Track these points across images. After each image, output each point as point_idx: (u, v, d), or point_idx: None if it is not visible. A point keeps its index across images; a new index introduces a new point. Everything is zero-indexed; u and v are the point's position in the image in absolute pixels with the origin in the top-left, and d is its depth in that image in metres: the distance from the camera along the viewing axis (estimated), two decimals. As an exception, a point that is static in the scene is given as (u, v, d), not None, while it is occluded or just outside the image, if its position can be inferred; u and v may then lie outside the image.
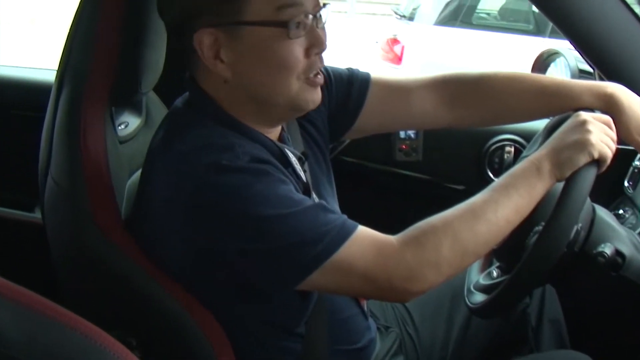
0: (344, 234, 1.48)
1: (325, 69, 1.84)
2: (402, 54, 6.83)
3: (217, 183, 1.47)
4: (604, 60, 2.11)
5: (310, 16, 1.55)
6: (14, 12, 13.23)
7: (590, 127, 1.60)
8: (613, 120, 1.72)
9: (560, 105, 1.84)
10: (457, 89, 1.92)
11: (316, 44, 1.57)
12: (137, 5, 1.76)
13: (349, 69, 1.93)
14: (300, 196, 1.53)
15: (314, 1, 1.57)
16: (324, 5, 1.60)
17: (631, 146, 1.80)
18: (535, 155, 1.62)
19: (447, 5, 7.05)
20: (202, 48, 1.54)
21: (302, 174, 1.68)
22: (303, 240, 1.46)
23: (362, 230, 1.51)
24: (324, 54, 1.61)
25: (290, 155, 1.66)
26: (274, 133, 1.69)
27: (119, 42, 1.75)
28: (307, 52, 1.57)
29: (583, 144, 1.59)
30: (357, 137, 2.03)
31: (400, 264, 1.48)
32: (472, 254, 1.55)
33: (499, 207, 1.55)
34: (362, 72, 1.92)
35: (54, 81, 1.80)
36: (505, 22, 7.31)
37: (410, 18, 7.36)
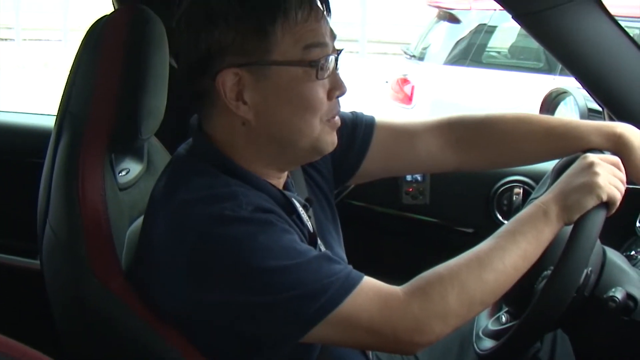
0: (348, 286, 1.45)
1: None
2: (412, 93, 6.81)
3: (220, 234, 1.44)
4: (612, 99, 2.10)
5: (332, 58, 1.55)
6: (29, 56, 13.41)
7: (597, 169, 1.57)
8: (622, 160, 1.69)
9: (568, 146, 1.82)
10: (463, 132, 1.90)
11: (337, 86, 1.57)
12: (136, 51, 1.75)
13: (353, 113, 1.90)
14: (304, 246, 1.50)
15: (333, 44, 1.58)
16: (340, 50, 1.59)
17: None
18: (542, 199, 1.59)
19: (456, 44, 7.03)
20: (224, 89, 1.51)
21: (307, 221, 1.65)
22: (306, 292, 1.43)
23: (367, 281, 1.48)
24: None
25: (296, 202, 1.63)
26: (280, 180, 1.66)
27: (118, 89, 1.74)
28: (330, 95, 1.57)
29: (591, 187, 1.56)
30: (362, 181, 2.00)
31: (406, 316, 1.45)
32: (479, 303, 1.52)
33: (507, 254, 1.52)
34: (367, 116, 1.90)
35: (53, 127, 1.79)
36: (516, 60, 7.29)
37: (420, 58, 7.33)
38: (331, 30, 1.58)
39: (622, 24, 2.06)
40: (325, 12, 1.57)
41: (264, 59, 1.51)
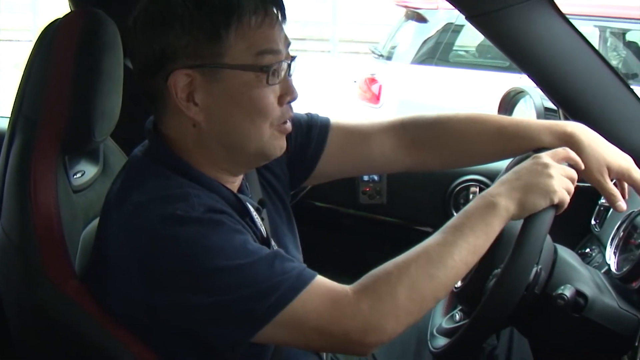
0: (299, 285, 1.45)
1: None
2: (379, 93, 6.82)
3: (172, 235, 1.45)
4: (566, 98, 2.12)
5: (285, 64, 1.57)
6: (-2, 57, 13.31)
7: (552, 171, 1.59)
8: None
9: (519, 146, 1.84)
10: (416, 133, 1.92)
11: (288, 92, 1.58)
12: (89, 54, 1.75)
13: (309, 114, 1.92)
14: (256, 246, 1.51)
15: (287, 51, 1.59)
16: (293, 57, 1.61)
17: (592, 185, 1.78)
18: (491, 191, 1.60)
19: (424, 43, 7.03)
20: (176, 89, 1.53)
21: (261, 225, 1.66)
22: (257, 291, 1.43)
23: (318, 280, 1.48)
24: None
25: (249, 206, 1.64)
26: (234, 183, 1.67)
27: (71, 91, 1.74)
28: (280, 100, 1.58)
29: (546, 190, 1.57)
30: (318, 183, 2.02)
31: (356, 316, 1.45)
32: (430, 299, 1.51)
33: (456, 249, 1.52)
34: (322, 117, 1.92)
35: (7, 130, 1.79)
36: (483, 59, 7.30)
37: (388, 57, 7.34)
38: (285, 37, 1.60)
39: (575, 22, 2.09)
40: (280, 19, 1.58)
41: (217, 62, 1.52)
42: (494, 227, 1.56)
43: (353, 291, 1.47)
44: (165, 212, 1.47)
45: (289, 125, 1.62)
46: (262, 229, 1.65)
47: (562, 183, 1.58)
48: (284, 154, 1.79)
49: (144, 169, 1.60)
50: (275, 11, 1.57)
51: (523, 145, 1.83)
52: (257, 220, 1.64)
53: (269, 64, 1.53)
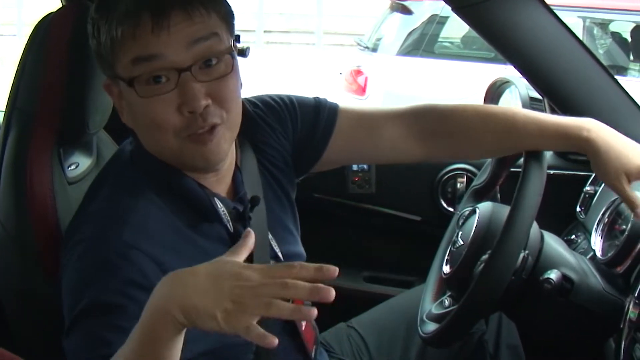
0: None
1: (290, 98, 1.82)
2: (365, 85, 6.81)
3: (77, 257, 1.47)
4: (551, 88, 2.14)
5: (182, 70, 1.46)
6: (-19, 51, 13.21)
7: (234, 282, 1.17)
8: (591, 163, 1.74)
9: (532, 147, 1.80)
10: (428, 124, 1.87)
11: (185, 101, 1.46)
12: (82, 49, 1.76)
13: (316, 99, 1.86)
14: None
15: (188, 53, 1.47)
16: (209, 59, 1.49)
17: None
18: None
19: (409, 35, 7.03)
20: (111, 95, 1.56)
21: (231, 227, 1.61)
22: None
23: None
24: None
25: (219, 206, 1.60)
26: (209, 179, 1.61)
27: (65, 85, 1.76)
28: (180, 109, 1.47)
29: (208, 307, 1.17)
30: (325, 169, 1.93)
31: None
32: None
33: None
34: (330, 102, 1.86)
35: (2, 123, 1.81)
36: (468, 50, 7.31)
37: (374, 49, 7.32)
38: (191, 39, 1.47)
39: (559, 13, 2.11)
40: (177, 21, 1.45)
41: (113, 74, 1.52)
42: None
43: None
44: (86, 234, 1.47)
45: (210, 135, 1.50)
46: (231, 228, 1.62)
47: (240, 303, 1.15)
48: (288, 141, 1.78)
49: (119, 167, 1.62)
50: (153, 16, 1.44)
51: (536, 146, 1.79)
52: (225, 221, 1.60)
53: (142, 74, 1.45)
